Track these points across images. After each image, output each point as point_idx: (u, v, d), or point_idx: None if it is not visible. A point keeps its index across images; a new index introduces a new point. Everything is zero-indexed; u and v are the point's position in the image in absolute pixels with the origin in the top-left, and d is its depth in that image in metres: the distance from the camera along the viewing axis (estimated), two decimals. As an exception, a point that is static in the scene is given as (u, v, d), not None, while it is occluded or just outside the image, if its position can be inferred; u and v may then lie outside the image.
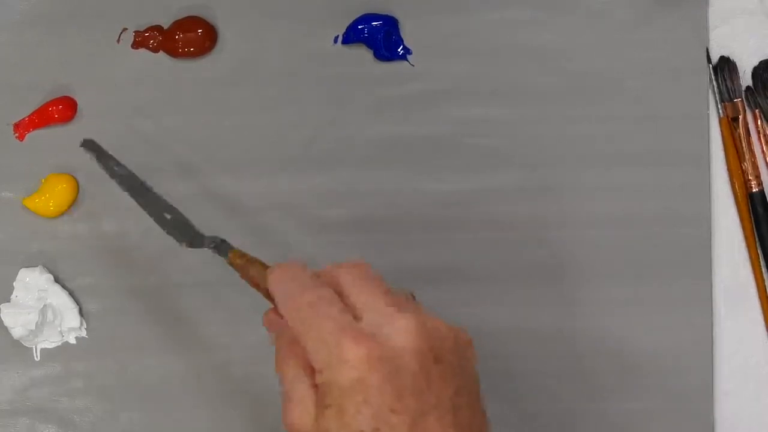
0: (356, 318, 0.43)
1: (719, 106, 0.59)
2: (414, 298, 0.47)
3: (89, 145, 0.55)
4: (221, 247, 0.50)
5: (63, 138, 0.59)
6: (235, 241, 0.59)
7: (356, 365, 0.40)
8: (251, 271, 0.48)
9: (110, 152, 0.56)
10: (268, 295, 0.46)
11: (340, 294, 0.44)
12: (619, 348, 0.58)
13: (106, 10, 0.60)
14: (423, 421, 0.40)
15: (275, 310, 0.45)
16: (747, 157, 0.58)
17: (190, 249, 0.52)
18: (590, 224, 0.58)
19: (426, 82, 0.59)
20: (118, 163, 0.55)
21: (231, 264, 0.49)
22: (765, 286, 0.58)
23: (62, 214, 0.59)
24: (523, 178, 0.59)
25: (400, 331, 0.41)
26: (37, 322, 0.57)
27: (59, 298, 0.58)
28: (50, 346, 0.58)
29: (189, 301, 0.59)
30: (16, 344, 0.58)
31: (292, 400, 0.43)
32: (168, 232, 0.52)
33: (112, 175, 0.54)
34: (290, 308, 0.43)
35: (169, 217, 0.53)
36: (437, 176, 0.59)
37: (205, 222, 0.59)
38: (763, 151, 0.59)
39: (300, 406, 0.42)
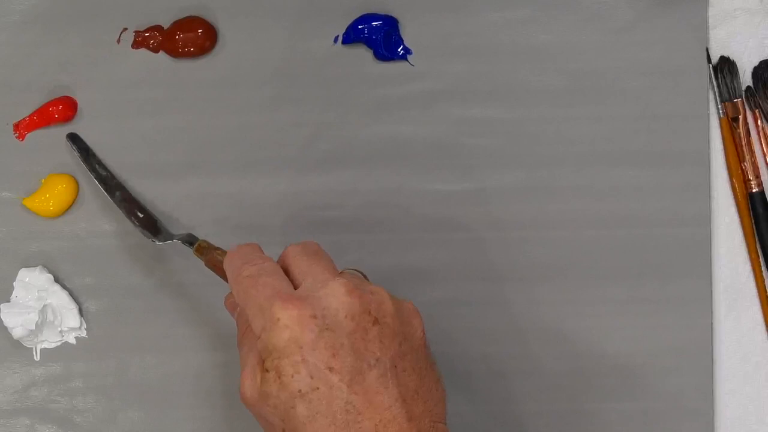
0: (296, 287, 0.44)
1: (719, 106, 0.59)
2: (365, 277, 0.48)
3: (74, 139, 0.59)
4: (188, 238, 0.55)
5: (63, 138, 0.59)
6: (234, 242, 0.59)
7: (288, 324, 0.41)
8: (213, 258, 0.51)
9: (95, 151, 0.59)
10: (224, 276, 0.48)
11: (286, 269, 0.46)
12: (619, 348, 0.58)
13: (106, 10, 0.60)
14: (362, 379, 0.41)
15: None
16: (747, 157, 0.58)
17: (175, 247, 0.56)
18: (590, 224, 0.58)
19: (426, 82, 0.59)
20: (100, 162, 0.59)
21: (196, 254, 0.53)
22: (765, 286, 0.58)
23: (62, 214, 0.59)
24: (523, 178, 0.59)
25: (333, 292, 0.42)
26: (37, 322, 0.57)
27: (59, 298, 0.58)
28: (50, 346, 0.58)
29: (189, 301, 0.59)
30: (16, 344, 0.58)
31: (243, 370, 0.44)
32: (140, 230, 0.57)
33: (91, 170, 0.58)
34: (234, 282, 0.45)
35: (141, 216, 0.58)
36: (437, 176, 0.59)
37: (204, 222, 0.59)
38: (763, 151, 0.59)
39: (249, 376, 0.44)
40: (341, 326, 0.42)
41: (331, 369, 0.41)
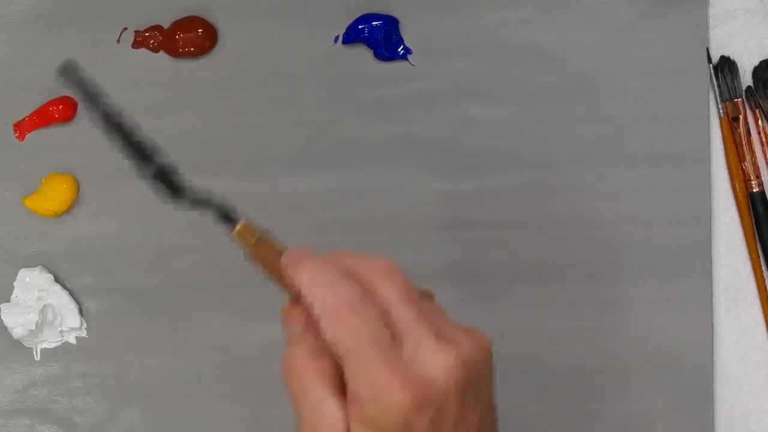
0: (394, 336, 0.40)
1: (719, 106, 0.59)
2: (434, 298, 0.45)
3: (68, 70, 0.46)
4: (227, 217, 0.43)
5: (63, 138, 0.59)
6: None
7: (404, 410, 0.38)
8: (266, 255, 0.43)
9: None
10: (283, 283, 0.42)
11: (373, 295, 0.41)
12: (619, 348, 0.58)
13: (106, 10, 0.60)
14: None
15: (300, 308, 0.41)
16: (747, 157, 0.58)
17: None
18: (590, 224, 0.58)
19: (426, 82, 0.59)
20: (103, 101, 0.46)
21: (237, 237, 0.43)
22: (765, 286, 0.58)
23: (62, 214, 0.59)
24: (523, 178, 0.59)
25: (444, 369, 0.39)
26: (37, 322, 0.57)
27: (59, 298, 0.58)
28: (50, 346, 0.59)
29: (189, 301, 0.59)
30: (16, 344, 0.58)
31: (320, 424, 0.39)
32: (153, 184, 0.44)
33: (94, 110, 0.46)
34: (333, 323, 0.39)
35: (154, 166, 0.44)
36: (437, 176, 0.59)
37: (204, 222, 0.59)
38: (763, 151, 0.59)
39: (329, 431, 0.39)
40: (450, 406, 0.39)
41: None
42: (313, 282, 0.40)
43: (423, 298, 0.42)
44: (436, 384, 0.39)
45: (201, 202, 0.43)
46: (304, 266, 0.41)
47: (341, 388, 0.39)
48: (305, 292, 0.40)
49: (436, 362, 0.39)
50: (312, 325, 0.40)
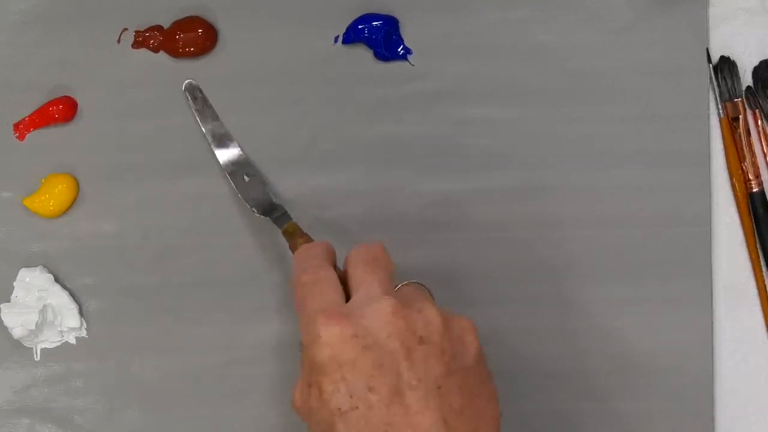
0: (349, 296, 0.44)
1: (719, 106, 0.59)
2: (430, 292, 0.47)
3: (191, 89, 0.58)
4: (281, 218, 0.55)
5: (63, 138, 0.59)
6: (235, 241, 0.59)
7: (329, 342, 0.41)
8: (293, 245, 0.52)
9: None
10: None
11: (345, 274, 0.46)
12: (619, 348, 0.58)
13: (106, 10, 0.60)
14: (401, 399, 0.40)
15: None
16: (747, 157, 0.58)
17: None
18: (590, 224, 0.58)
19: (426, 82, 0.59)
20: (216, 118, 0.58)
21: (284, 234, 0.54)
22: (765, 286, 0.58)
23: (62, 214, 0.59)
24: (523, 178, 0.59)
25: (379, 311, 0.42)
26: (37, 322, 0.57)
27: (59, 298, 0.58)
28: (50, 346, 0.58)
29: (189, 301, 0.59)
30: (16, 344, 0.58)
31: (297, 382, 0.44)
32: (242, 196, 0.57)
33: (204, 123, 0.58)
34: (294, 286, 0.46)
35: (247, 179, 0.57)
36: (437, 176, 0.59)
37: (204, 222, 0.59)
38: (763, 151, 0.59)
39: (298, 388, 0.44)
40: (383, 346, 0.41)
41: (370, 389, 0.40)
42: (296, 256, 0.49)
43: (404, 284, 0.46)
44: (365, 321, 0.42)
45: (267, 211, 0.56)
46: (296, 252, 0.50)
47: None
48: (293, 264, 0.48)
49: (372, 305, 0.42)
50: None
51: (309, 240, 0.52)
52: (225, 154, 0.58)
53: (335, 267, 0.48)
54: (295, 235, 0.53)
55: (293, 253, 0.52)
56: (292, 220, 0.54)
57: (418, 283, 0.47)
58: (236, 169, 0.58)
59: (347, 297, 0.45)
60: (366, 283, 0.44)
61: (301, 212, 0.59)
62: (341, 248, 0.58)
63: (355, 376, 0.41)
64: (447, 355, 0.42)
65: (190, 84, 0.58)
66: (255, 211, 0.56)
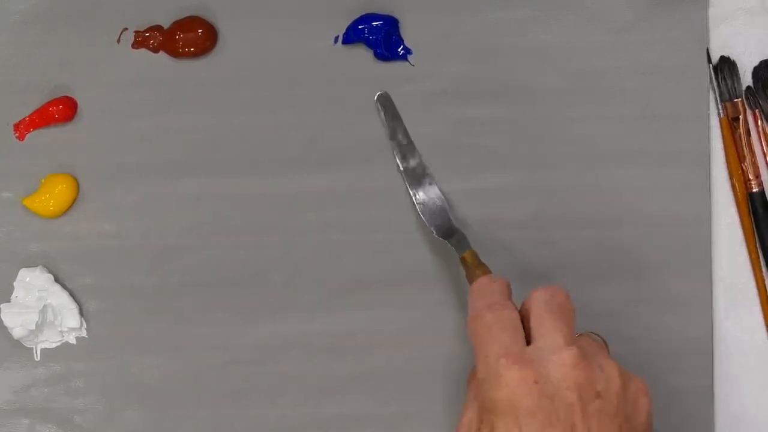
0: (529, 341, 0.44)
1: (719, 106, 0.59)
2: (605, 344, 0.48)
3: (383, 100, 0.58)
4: (460, 244, 0.54)
5: (63, 138, 0.59)
6: (235, 241, 0.59)
7: (509, 385, 0.41)
8: (470, 276, 0.51)
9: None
10: None
11: (525, 316, 0.45)
12: (619, 348, 0.58)
13: (106, 10, 0.60)
14: None
15: None
16: (747, 157, 0.58)
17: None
18: (590, 224, 0.58)
19: (426, 82, 0.59)
20: (405, 132, 0.58)
21: (462, 262, 0.53)
22: (765, 286, 0.58)
23: (62, 214, 0.59)
24: (523, 178, 0.59)
25: (562, 361, 0.42)
26: (37, 322, 0.57)
27: (59, 298, 0.58)
28: (50, 346, 0.58)
29: (189, 301, 0.59)
30: (16, 344, 0.58)
31: (463, 415, 0.44)
32: (422, 215, 0.56)
33: (392, 137, 0.58)
34: (471, 320, 0.46)
35: (425, 199, 0.57)
36: (438, 176, 0.59)
37: (204, 222, 0.59)
38: (763, 151, 0.59)
39: (466, 418, 0.44)
40: (562, 397, 0.41)
41: None
42: (473, 291, 0.48)
43: (583, 334, 0.46)
44: (547, 370, 0.41)
45: (446, 234, 0.56)
46: (473, 286, 0.49)
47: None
48: (469, 300, 0.48)
49: (556, 354, 0.42)
50: None
51: (487, 271, 0.52)
52: (410, 171, 0.58)
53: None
54: (473, 266, 0.52)
55: (469, 282, 0.51)
56: (471, 248, 0.54)
57: (596, 335, 0.47)
58: (417, 184, 0.57)
59: (526, 337, 0.45)
60: (550, 330, 0.44)
61: (301, 212, 0.59)
62: (342, 249, 0.58)
63: (530, 423, 0.40)
64: (621, 416, 0.42)
65: (382, 96, 0.58)
66: (434, 232, 0.56)
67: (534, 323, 0.45)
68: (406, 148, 0.58)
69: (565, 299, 0.46)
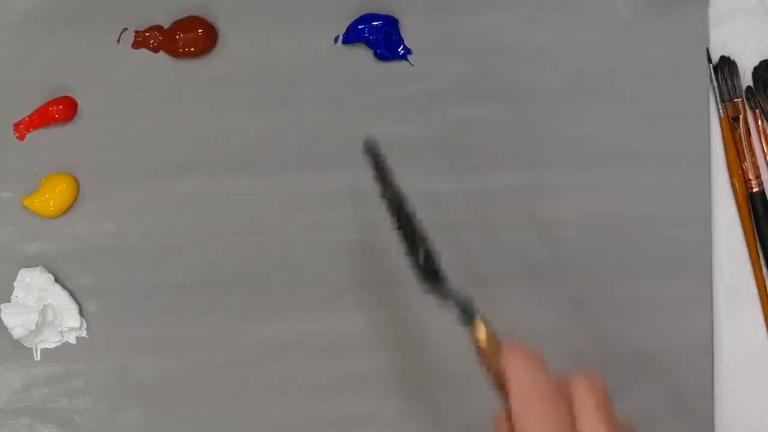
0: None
1: (719, 106, 0.59)
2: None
3: (370, 148, 0.51)
4: (465, 312, 0.45)
5: (63, 138, 0.59)
6: (235, 241, 0.59)
7: None
8: (492, 359, 0.43)
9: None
10: (496, 372, 0.43)
11: (570, 402, 0.43)
12: (619, 348, 0.58)
13: (106, 10, 0.60)
14: None
15: (510, 422, 0.43)
16: (747, 157, 0.58)
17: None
18: (590, 224, 0.58)
19: (426, 82, 0.59)
20: (392, 182, 0.49)
21: (473, 340, 0.44)
22: (765, 286, 0.58)
23: (62, 214, 0.59)
24: (523, 178, 0.59)
25: None
26: (37, 322, 0.57)
27: (59, 298, 0.58)
28: (50, 346, 0.59)
29: (189, 301, 0.59)
30: (16, 344, 0.58)
31: None
32: (415, 269, 0.47)
33: (384, 188, 0.49)
34: (523, 407, 0.42)
35: (422, 253, 0.47)
36: (437, 176, 0.59)
37: (204, 222, 0.59)
38: (763, 151, 0.59)
39: None
40: None
41: None
42: (519, 366, 0.42)
43: (621, 426, 0.44)
44: None
45: (451, 296, 0.45)
46: (516, 350, 0.43)
47: None
48: (510, 373, 0.42)
49: None
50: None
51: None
52: (402, 224, 0.48)
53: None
54: (492, 338, 0.44)
55: (487, 365, 0.44)
56: (478, 316, 0.45)
57: (628, 426, 0.46)
58: (412, 241, 0.48)
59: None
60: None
61: (301, 212, 0.59)
62: (342, 250, 0.58)
63: None
64: None
65: (369, 142, 0.51)
66: (431, 292, 0.46)
67: (583, 420, 0.42)
68: (395, 201, 0.48)
69: (604, 388, 0.44)
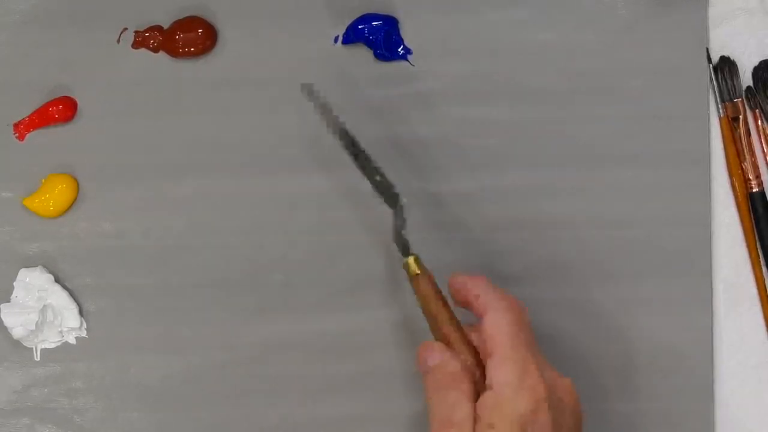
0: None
1: (719, 106, 0.59)
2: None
3: (307, 90, 0.55)
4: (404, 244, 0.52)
5: (63, 138, 0.59)
6: (234, 242, 0.59)
7: (536, 398, 0.45)
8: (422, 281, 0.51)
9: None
10: (435, 306, 0.50)
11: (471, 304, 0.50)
12: (620, 348, 0.58)
13: (106, 10, 0.60)
14: None
15: (437, 343, 0.50)
16: (747, 157, 0.58)
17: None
18: (590, 224, 0.58)
19: (426, 82, 0.59)
20: (336, 119, 0.55)
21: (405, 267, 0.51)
22: (765, 286, 0.58)
23: (62, 214, 0.59)
24: (523, 178, 0.59)
25: (566, 388, 0.47)
26: (37, 322, 0.57)
27: (59, 298, 0.58)
28: (50, 346, 0.58)
29: (189, 301, 0.59)
30: (16, 344, 0.58)
31: (451, 421, 0.46)
32: (379, 195, 0.54)
33: (331, 123, 0.54)
34: (502, 312, 0.48)
35: (378, 179, 0.54)
36: (437, 176, 0.59)
37: (204, 222, 0.59)
38: (763, 151, 0.59)
39: (457, 427, 0.46)
40: (564, 421, 0.46)
41: None
42: (489, 287, 0.49)
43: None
44: (558, 394, 0.46)
45: (398, 214, 0.53)
46: (480, 278, 0.49)
47: (473, 398, 0.46)
48: (482, 291, 0.49)
49: (559, 380, 0.47)
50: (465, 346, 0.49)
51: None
52: (356, 155, 0.54)
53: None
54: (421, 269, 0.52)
55: (415, 287, 0.51)
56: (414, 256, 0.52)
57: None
58: (369, 170, 0.54)
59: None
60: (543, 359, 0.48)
61: (301, 212, 0.59)
62: (342, 250, 0.58)
63: None
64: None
65: (306, 85, 0.55)
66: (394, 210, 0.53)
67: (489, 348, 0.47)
68: (344, 134, 0.54)
69: (524, 312, 0.50)
